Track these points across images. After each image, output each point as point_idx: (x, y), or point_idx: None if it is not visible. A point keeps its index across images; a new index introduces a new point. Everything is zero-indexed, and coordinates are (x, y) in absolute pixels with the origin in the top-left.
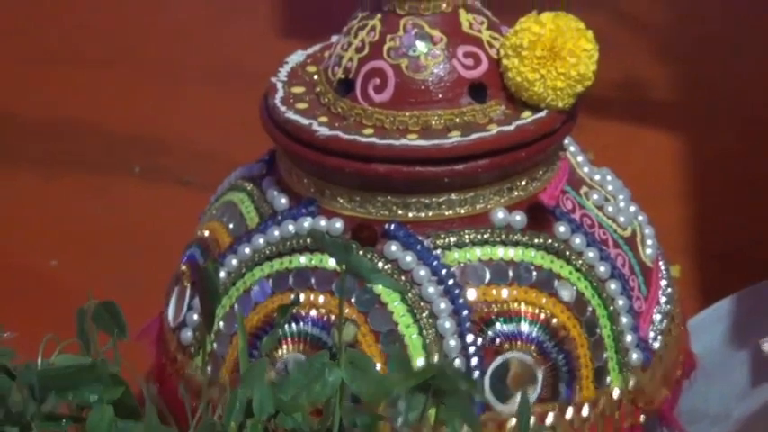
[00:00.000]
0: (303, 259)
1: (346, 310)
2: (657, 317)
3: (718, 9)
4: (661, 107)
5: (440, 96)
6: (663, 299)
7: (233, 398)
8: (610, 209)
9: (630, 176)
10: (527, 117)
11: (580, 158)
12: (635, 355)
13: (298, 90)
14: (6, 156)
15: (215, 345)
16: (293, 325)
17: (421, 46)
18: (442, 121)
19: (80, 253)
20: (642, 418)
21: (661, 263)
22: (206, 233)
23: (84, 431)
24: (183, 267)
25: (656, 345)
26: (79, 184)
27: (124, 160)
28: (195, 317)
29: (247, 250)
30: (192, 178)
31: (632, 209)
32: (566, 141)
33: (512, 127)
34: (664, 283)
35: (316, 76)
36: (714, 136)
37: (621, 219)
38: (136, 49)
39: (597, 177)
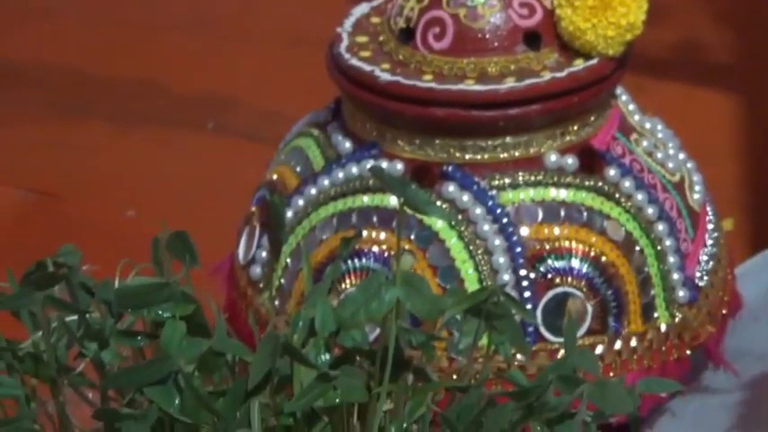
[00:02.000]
0: (366, 199)
1: (406, 246)
2: (704, 258)
3: None
4: (719, 69)
5: (496, 44)
6: (709, 242)
7: (297, 316)
8: (659, 155)
9: (688, 134)
10: (579, 64)
11: (631, 107)
12: (681, 293)
13: (362, 39)
14: (81, 110)
15: (282, 280)
16: (356, 260)
17: None
18: (498, 68)
19: (156, 204)
20: (688, 352)
21: (708, 208)
22: (275, 176)
23: (158, 347)
24: (253, 208)
25: (702, 284)
26: (153, 139)
27: (197, 117)
28: (264, 254)
29: (313, 191)
30: (262, 134)
31: (681, 156)
32: (618, 91)
33: (564, 73)
34: (710, 227)
35: (379, 27)
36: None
37: (670, 165)
38: (207, 14)
39: (648, 125)
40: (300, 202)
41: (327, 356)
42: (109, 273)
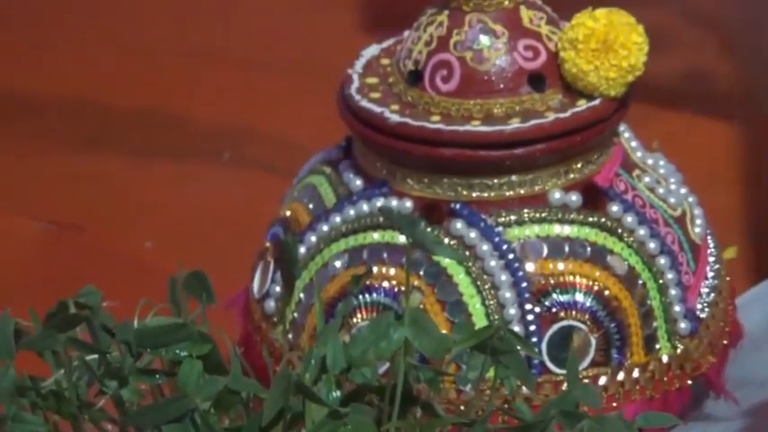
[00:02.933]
0: (376, 236)
1: (415, 282)
2: (705, 290)
3: None
4: (722, 98)
5: (501, 86)
6: (710, 274)
7: (309, 354)
8: (661, 190)
9: (692, 162)
10: (582, 105)
11: (634, 144)
12: (683, 325)
13: (372, 80)
14: (98, 142)
15: (296, 314)
16: (366, 295)
17: (484, 40)
18: (504, 109)
19: (173, 235)
20: (689, 382)
21: (710, 241)
22: (288, 213)
23: (175, 384)
24: (267, 244)
25: (703, 315)
26: (171, 170)
27: (213, 148)
28: (278, 289)
29: (325, 228)
30: (277, 165)
31: (683, 191)
32: (621, 128)
33: (567, 114)
34: (711, 259)
35: (389, 68)
36: None
37: (672, 199)
38: (226, 44)
39: (650, 161)
40: (313, 239)
41: (338, 393)
42: (127, 306)
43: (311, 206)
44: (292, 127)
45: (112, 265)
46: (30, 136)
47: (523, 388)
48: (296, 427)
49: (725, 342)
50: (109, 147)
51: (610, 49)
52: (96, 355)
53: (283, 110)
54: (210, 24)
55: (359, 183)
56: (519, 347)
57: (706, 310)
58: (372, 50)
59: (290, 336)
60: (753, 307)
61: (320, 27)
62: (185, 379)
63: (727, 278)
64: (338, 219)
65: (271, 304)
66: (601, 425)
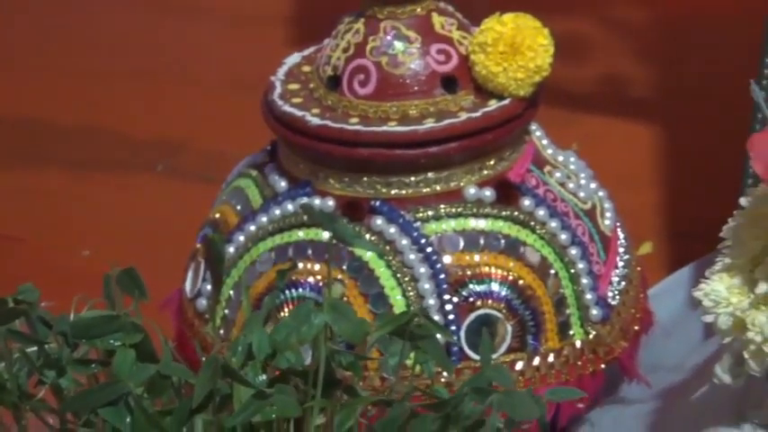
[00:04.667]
0: (301, 233)
1: (338, 276)
2: (616, 279)
3: (691, 12)
4: (638, 103)
5: (416, 88)
6: (621, 264)
7: (236, 342)
8: (571, 185)
9: (610, 164)
10: (492, 105)
11: (545, 141)
12: (594, 311)
13: (293, 86)
14: (40, 158)
15: (226, 311)
16: (293, 290)
17: (399, 45)
18: (419, 110)
19: (109, 243)
20: (603, 366)
21: (619, 233)
22: (217, 215)
23: (110, 374)
24: (198, 245)
25: (614, 302)
26: (106, 182)
27: (148, 160)
28: (209, 287)
29: (252, 228)
30: (208, 174)
31: (592, 185)
32: (532, 127)
33: (479, 113)
34: (621, 250)
35: (309, 75)
36: (685, 129)
37: (582, 194)
38: (158, 64)
39: (561, 158)
40: (241, 238)
41: (264, 377)
42: (65, 308)
43: (239, 207)
44: (222, 138)
45: (51, 273)
46: None
47: (443, 374)
48: (225, 409)
49: (636, 328)
50: (49, 161)
51: (517, 51)
52: (35, 347)
53: (213, 123)
54: (144, 45)
55: (283, 184)
56: (435, 332)
57: (617, 297)
58: (294, 58)
59: (221, 331)
60: (665, 297)
61: (248, 44)
62: (119, 366)
63: (638, 268)
64: (264, 219)
65: (202, 302)
66: (510, 398)
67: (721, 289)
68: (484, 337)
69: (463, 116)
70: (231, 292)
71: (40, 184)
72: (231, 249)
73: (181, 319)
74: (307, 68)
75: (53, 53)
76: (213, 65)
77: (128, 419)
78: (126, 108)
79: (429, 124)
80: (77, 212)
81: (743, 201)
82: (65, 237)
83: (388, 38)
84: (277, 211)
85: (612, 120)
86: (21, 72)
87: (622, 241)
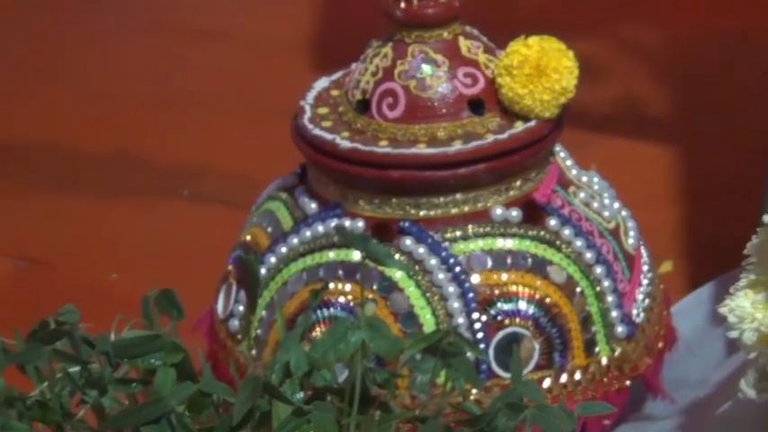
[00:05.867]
0: (332, 254)
1: (369, 296)
2: (640, 296)
3: (706, 31)
4: (656, 122)
5: (444, 111)
6: (645, 281)
7: (273, 360)
8: (595, 205)
9: (630, 184)
10: (519, 126)
11: (569, 162)
12: (620, 329)
13: (323, 110)
14: (70, 184)
15: (259, 331)
16: (324, 310)
17: (426, 69)
18: (447, 133)
19: (137, 267)
20: (628, 382)
21: (643, 251)
22: (248, 237)
23: (151, 392)
24: (230, 267)
25: (639, 320)
26: (133, 207)
27: (174, 185)
28: (241, 308)
29: (284, 249)
30: (233, 199)
31: (616, 205)
32: (556, 148)
33: (505, 135)
34: (645, 268)
35: (338, 99)
36: (704, 147)
37: (606, 213)
38: (183, 89)
39: (585, 179)
40: (273, 260)
41: (301, 395)
42: (97, 331)
43: (270, 230)
44: (247, 163)
45: (81, 297)
46: (2, 177)
47: (473, 392)
48: (264, 426)
49: (660, 345)
50: (76, 187)
51: (543, 73)
52: (77, 368)
53: (238, 147)
54: (170, 71)
55: (314, 206)
56: (467, 350)
57: (641, 314)
58: (322, 83)
59: (253, 351)
60: (687, 314)
61: (272, 69)
62: (161, 384)
63: (661, 286)
64: (295, 240)
65: (235, 323)
66: (543, 413)
67: (746, 305)
68: (515, 353)
69: (490, 138)
70: (263, 313)
71: (68, 209)
72: (263, 270)
73: (213, 340)
74: (335, 92)
75: (79, 79)
76: (238, 90)
77: None
78: (152, 133)
79: (457, 146)
80: (105, 237)
81: (766, 218)
82: (93, 261)
83: (416, 62)
84: (308, 233)
85: (631, 140)
86: (47, 98)
87: (646, 259)
